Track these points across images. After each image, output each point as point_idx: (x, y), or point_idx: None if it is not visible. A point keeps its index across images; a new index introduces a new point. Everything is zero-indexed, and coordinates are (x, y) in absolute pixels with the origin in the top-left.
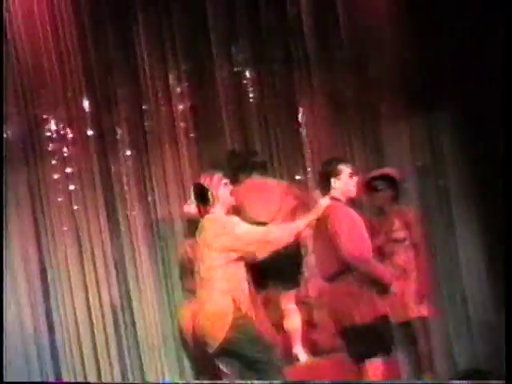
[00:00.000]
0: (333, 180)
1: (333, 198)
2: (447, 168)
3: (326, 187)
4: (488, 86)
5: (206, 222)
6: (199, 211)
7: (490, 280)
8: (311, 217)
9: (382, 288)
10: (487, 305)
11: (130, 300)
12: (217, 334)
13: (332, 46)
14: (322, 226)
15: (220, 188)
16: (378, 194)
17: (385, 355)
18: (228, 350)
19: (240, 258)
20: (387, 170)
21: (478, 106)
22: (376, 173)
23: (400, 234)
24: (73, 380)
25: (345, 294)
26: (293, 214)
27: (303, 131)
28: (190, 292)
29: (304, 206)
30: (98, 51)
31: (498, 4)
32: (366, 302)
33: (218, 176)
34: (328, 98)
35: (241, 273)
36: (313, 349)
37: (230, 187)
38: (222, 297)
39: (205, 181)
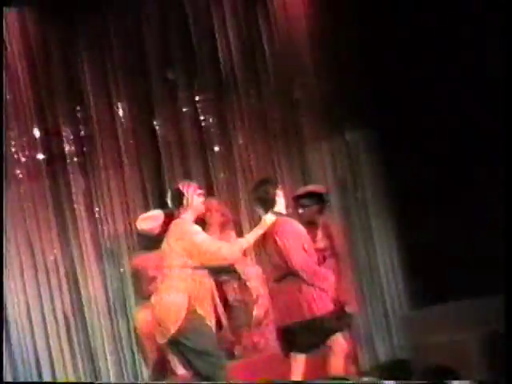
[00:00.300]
0: (275, 197)
1: (276, 213)
2: (364, 181)
3: (266, 204)
4: (398, 108)
5: (173, 226)
6: (170, 216)
7: (405, 280)
8: (258, 232)
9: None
10: (403, 301)
11: (81, 306)
12: (170, 325)
13: (259, 75)
14: (269, 239)
15: (194, 196)
16: (304, 210)
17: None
18: (178, 341)
19: (197, 267)
20: (311, 188)
21: (390, 127)
22: (301, 191)
23: (321, 244)
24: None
25: (293, 291)
26: (221, 230)
27: (236, 154)
28: (144, 299)
29: (230, 222)
30: (47, 82)
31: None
32: (314, 297)
33: (194, 185)
34: (257, 124)
35: (202, 278)
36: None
37: (203, 198)
38: (178, 294)
39: (183, 187)
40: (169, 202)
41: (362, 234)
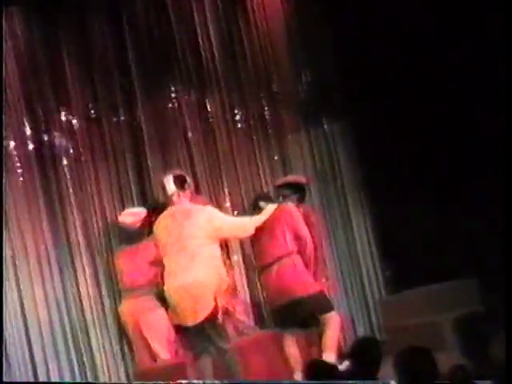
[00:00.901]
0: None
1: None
2: (343, 171)
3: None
4: (372, 100)
5: (197, 211)
6: (152, 213)
7: (383, 265)
8: (266, 216)
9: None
10: (380, 285)
11: (74, 295)
12: (209, 302)
13: (239, 69)
14: (269, 224)
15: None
16: (284, 200)
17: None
18: (212, 318)
19: (219, 240)
20: (290, 178)
21: (366, 118)
22: (280, 181)
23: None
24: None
25: (287, 273)
26: None
27: (220, 148)
28: (126, 290)
29: None
30: (35, 79)
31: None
32: (304, 278)
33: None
34: (238, 117)
35: (219, 254)
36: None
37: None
38: (211, 270)
39: (184, 173)
40: (170, 186)
41: (341, 221)
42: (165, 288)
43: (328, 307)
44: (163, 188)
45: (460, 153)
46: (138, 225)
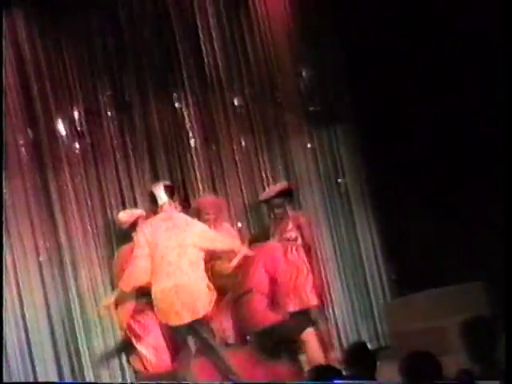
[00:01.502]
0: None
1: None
2: (346, 174)
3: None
4: (376, 102)
5: (193, 221)
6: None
7: (388, 268)
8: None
9: None
10: (385, 289)
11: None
12: (200, 308)
13: (242, 72)
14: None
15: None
16: (276, 210)
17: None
18: (198, 325)
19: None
20: (279, 187)
21: (369, 119)
22: (272, 192)
23: (291, 234)
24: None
25: (255, 304)
26: (214, 224)
27: (222, 152)
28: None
29: (224, 213)
30: (37, 81)
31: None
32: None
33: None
34: (241, 121)
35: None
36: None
37: None
38: (205, 279)
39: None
40: (161, 195)
41: (344, 224)
42: (154, 289)
43: (299, 329)
44: (152, 196)
45: (465, 154)
46: (127, 226)
